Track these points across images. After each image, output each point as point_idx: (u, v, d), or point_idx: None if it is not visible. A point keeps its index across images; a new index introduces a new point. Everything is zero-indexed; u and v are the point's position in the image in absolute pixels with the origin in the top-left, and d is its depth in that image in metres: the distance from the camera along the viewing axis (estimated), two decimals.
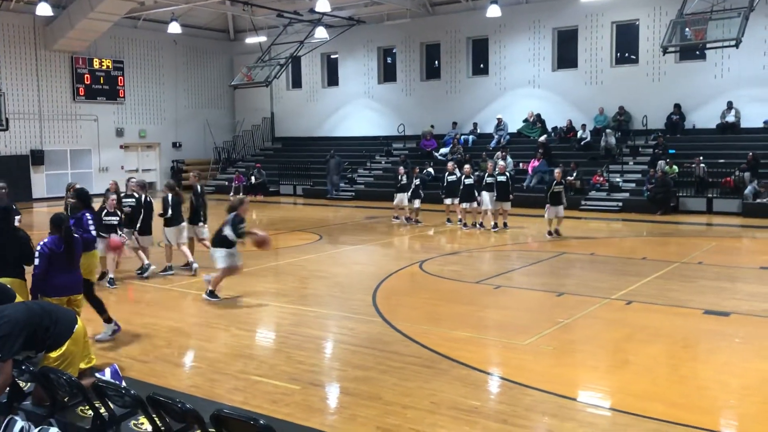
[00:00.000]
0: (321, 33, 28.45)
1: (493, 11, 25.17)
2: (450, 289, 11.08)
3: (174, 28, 28.91)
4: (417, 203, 19.27)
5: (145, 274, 11.83)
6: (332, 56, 33.45)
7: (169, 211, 12.03)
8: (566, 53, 27.15)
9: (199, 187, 13.29)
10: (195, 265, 12.09)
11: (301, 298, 10.66)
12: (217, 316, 9.39)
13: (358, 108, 32.53)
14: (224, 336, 8.47)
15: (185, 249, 12.38)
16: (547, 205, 16.02)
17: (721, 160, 21.73)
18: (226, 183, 30.91)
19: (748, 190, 20.10)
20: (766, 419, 5.85)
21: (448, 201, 18.74)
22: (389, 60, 32.29)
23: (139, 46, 31.71)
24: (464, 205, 18.10)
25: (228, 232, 10.07)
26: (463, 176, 18.22)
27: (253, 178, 29.71)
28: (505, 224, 17.61)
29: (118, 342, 8.04)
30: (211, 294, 10.14)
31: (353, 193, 27.70)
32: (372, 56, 31.93)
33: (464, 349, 7.65)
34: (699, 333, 8.57)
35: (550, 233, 16.10)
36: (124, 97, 31.20)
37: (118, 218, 11.10)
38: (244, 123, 35.80)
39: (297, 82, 34.75)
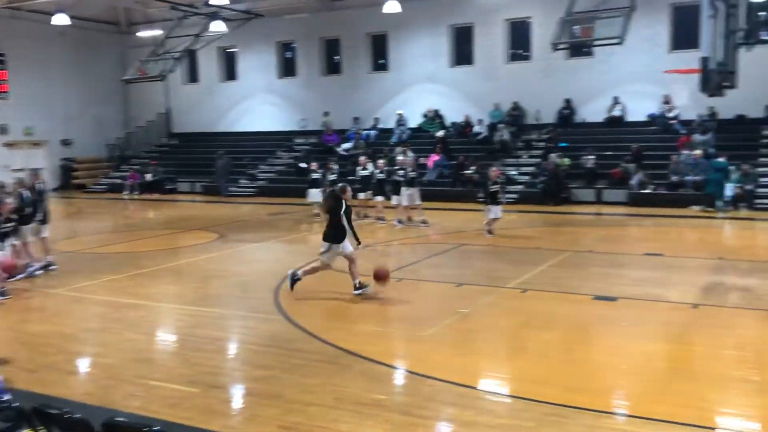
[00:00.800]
0: (218, 26, 27.79)
1: (391, 7, 25.38)
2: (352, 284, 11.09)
3: (60, 19, 27.42)
4: (362, 196, 19.16)
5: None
6: (230, 50, 32.79)
7: (27, 209, 11.58)
8: (463, 50, 27.75)
9: (38, 186, 12.63)
10: (37, 266, 11.72)
11: (201, 299, 10.42)
12: (113, 320, 9.04)
13: (258, 103, 32.07)
14: (119, 341, 8.16)
15: (32, 248, 11.98)
16: (488, 206, 15.28)
17: (609, 153, 22.84)
18: (120, 181, 29.78)
19: (634, 180, 21.23)
20: (653, 397, 6.20)
21: (362, 196, 18.78)
22: (289, 54, 31.98)
23: (22, 38, 29.90)
24: (378, 198, 18.19)
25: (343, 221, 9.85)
26: (377, 170, 18.33)
27: (148, 175, 28.75)
28: (409, 219, 17.81)
29: (2, 351, 7.60)
30: (361, 285, 9.81)
31: (255, 190, 27.30)
32: (271, 50, 31.54)
33: (367, 343, 7.70)
34: (590, 318, 8.98)
35: (489, 232, 15.29)
36: (7, 92, 29.34)
37: (11, 224, 10.57)
38: (138, 119, 34.57)
39: (194, 77, 33.84)
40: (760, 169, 20.58)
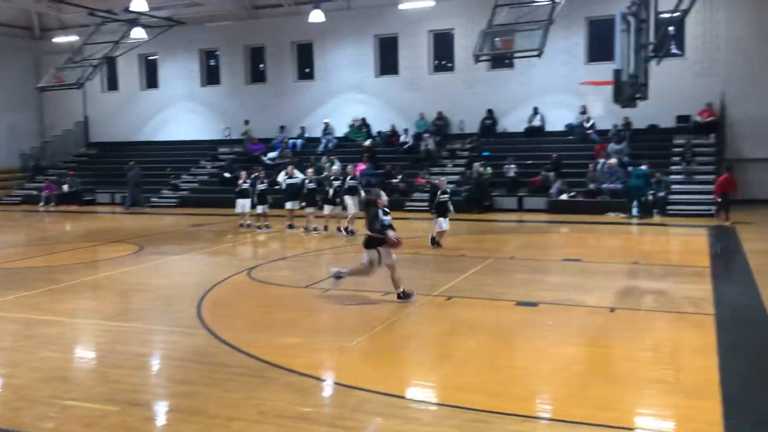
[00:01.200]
0: (138, 33, 27.14)
1: (316, 17, 25.41)
2: (279, 295, 11.00)
3: None
4: (261, 209, 18.92)
5: None
6: (151, 57, 32.08)
7: None
8: (388, 60, 28.01)
9: None
10: None
11: (121, 313, 10.08)
12: (25, 338, 8.64)
13: (180, 111, 31.47)
14: (32, 359, 7.79)
15: None
16: (435, 218, 14.96)
17: (529, 162, 23.47)
18: (35, 192, 28.60)
19: (554, 188, 21.86)
20: (573, 400, 6.37)
21: (288, 205, 18.61)
22: (212, 62, 31.52)
23: None
24: (309, 209, 18.07)
25: (385, 218, 10.00)
26: (307, 180, 18.19)
27: (65, 186, 27.72)
28: (346, 228, 17.71)
29: None
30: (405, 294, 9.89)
31: (177, 200, 26.69)
32: (194, 58, 31.03)
33: (293, 356, 7.62)
34: (512, 323, 9.15)
35: (437, 244, 14.96)
36: None
37: None
38: (55, 128, 33.32)
39: (113, 84, 32.94)
40: (673, 177, 21.56)
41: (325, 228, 17.76)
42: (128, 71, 32.28)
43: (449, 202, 15.12)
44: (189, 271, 13.87)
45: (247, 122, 29.26)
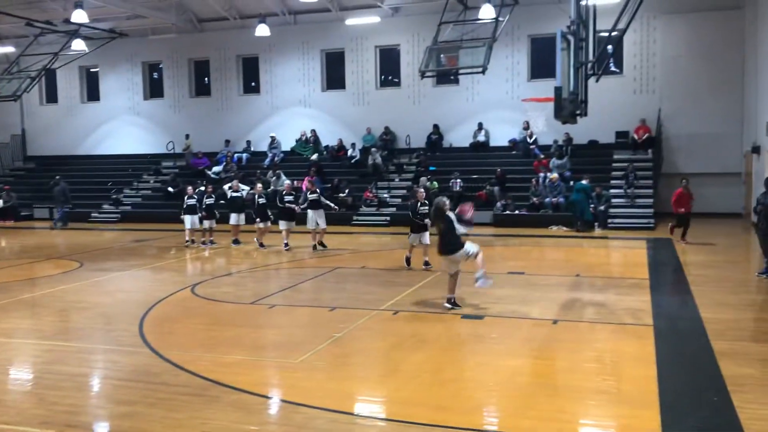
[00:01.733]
0: (78, 45, 26.55)
1: (262, 30, 25.33)
2: (223, 312, 10.84)
3: None
4: (207, 224, 18.63)
5: None
6: (92, 70, 31.45)
7: None
8: (335, 74, 28.08)
9: None
10: None
11: (59, 332, 9.78)
12: None
13: (122, 124, 30.87)
14: None
15: None
16: (411, 233, 14.13)
17: (475, 176, 23.79)
18: None
19: (498, 202, 22.20)
20: (518, 412, 6.45)
21: (233, 220, 18.39)
22: (156, 75, 31.04)
23: None
24: (261, 224, 17.91)
25: (461, 229, 10.23)
26: (256, 195, 18.05)
27: (0, 201, 26.79)
28: (322, 244, 17.49)
29: None
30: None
31: (119, 215, 26.11)
32: (137, 71, 30.53)
33: (237, 373, 7.52)
34: (458, 337, 9.23)
35: (408, 261, 14.27)
36: None
37: None
38: None
39: (52, 97, 32.12)
40: (612, 191, 22.15)
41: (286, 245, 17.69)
42: (68, 83, 31.53)
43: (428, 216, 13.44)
44: (131, 288, 13.56)
45: (187, 136, 28.91)
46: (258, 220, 17.98)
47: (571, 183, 22.35)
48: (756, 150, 20.31)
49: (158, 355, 8.25)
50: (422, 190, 14.86)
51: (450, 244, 10.42)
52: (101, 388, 7.46)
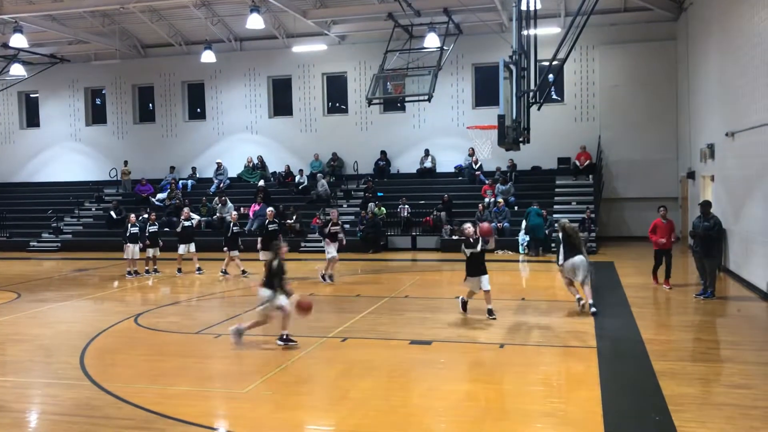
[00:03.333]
0: (17, 70, 25.95)
1: (208, 57, 25.21)
2: (168, 342, 10.62)
3: None
4: (151, 252, 18.33)
5: None
6: (32, 95, 30.71)
7: None
8: (282, 101, 28.10)
9: None
10: None
11: None
12: None
13: (63, 151, 30.18)
14: None
15: None
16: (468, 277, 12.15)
17: (422, 201, 24.01)
18: None
19: (445, 228, 22.43)
20: None
21: (182, 249, 18.11)
22: (98, 101, 30.52)
23: None
24: (234, 252, 17.82)
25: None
26: (232, 223, 18.05)
27: None
28: (243, 271, 17.43)
29: None
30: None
31: (59, 244, 25.39)
32: (79, 96, 29.97)
33: (182, 405, 7.37)
34: (407, 362, 9.24)
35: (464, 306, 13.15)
36: None
37: None
38: None
39: None
40: (556, 216, 22.60)
41: (225, 272, 17.64)
42: (6, 109, 30.72)
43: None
44: (71, 319, 13.16)
45: (126, 163, 28.45)
46: (226, 249, 17.83)
47: (516, 208, 22.78)
48: (691, 175, 21.09)
49: (100, 387, 8.03)
50: (469, 225, 11.84)
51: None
52: (39, 423, 7.20)
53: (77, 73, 29.40)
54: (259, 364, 9.05)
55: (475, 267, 11.52)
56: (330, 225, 16.07)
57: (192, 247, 18.35)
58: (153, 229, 18.37)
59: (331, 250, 15.87)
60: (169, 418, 6.93)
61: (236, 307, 13.87)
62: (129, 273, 17.93)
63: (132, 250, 17.89)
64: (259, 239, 16.65)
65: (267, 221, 17.17)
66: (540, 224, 21.08)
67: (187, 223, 18.34)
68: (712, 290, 13.06)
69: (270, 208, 18.38)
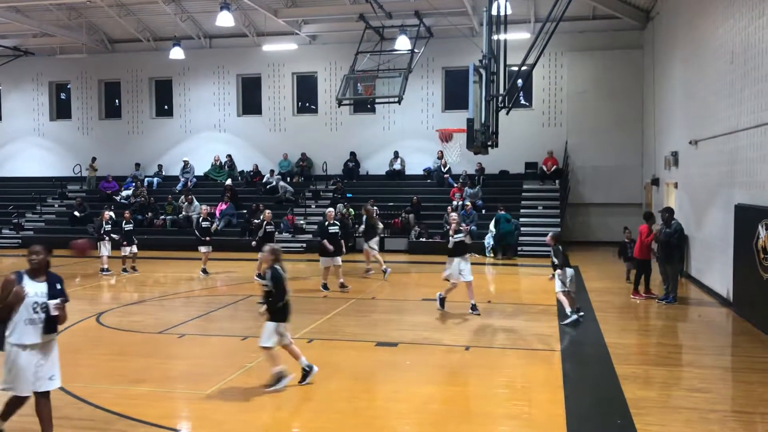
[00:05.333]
0: None
1: (176, 53, 24.93)
2: (130, 342, 10.46)
3: None
4: (128, 250, 18.04)
5: None
6: None
7: None
8: (251, 99, 27.89)
9: None
10: None
11: None
12: None
13: (26, 146, 29.57)
14: None
15: None
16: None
17: (391, 203, 24.02)
18: None
19: (413, 230, 22.47)
20: None
21: (204, 249, 17.80)
22: (63, 96, 29.96)
23: None
24: (203, 249, 17.74)
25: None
26: (201, 218, 17.95)
27: None
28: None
29: None
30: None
31: (20, 241, 24.86)
32: (43, 91, 29.39)
33: (145, 406, 7.26)
34: (372, 364, 9.24)
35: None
36: None
37: None
38: None
39: None
40: (522, 219, 22.83)
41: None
42: None
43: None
44: None
45: (93, 159, 27.98)
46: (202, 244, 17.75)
47: (483, 212, 22.91)
48: (655, 182, 21.44)
49: (59, 388, 7.85)
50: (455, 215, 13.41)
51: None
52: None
53: (42, 66, 28.84)
54: (223, 365, 8.96)
55: (459, 250, 12.20)
56: (265, 225, 16.00)
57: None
58: (129, 227, 18.14)
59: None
60: (130, 419, 6.83)
61: (200, 307, 13.72)
62: (102, 271, 17.83)
63: (106, 247, 17.82)
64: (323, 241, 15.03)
65: (327, 222, 15.25)
66: (511, 230, 21.23)
67: (205, 224, 17.94)
68: (674, 295, 13.29)
69: (330, 209, 16.25)
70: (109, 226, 17.97)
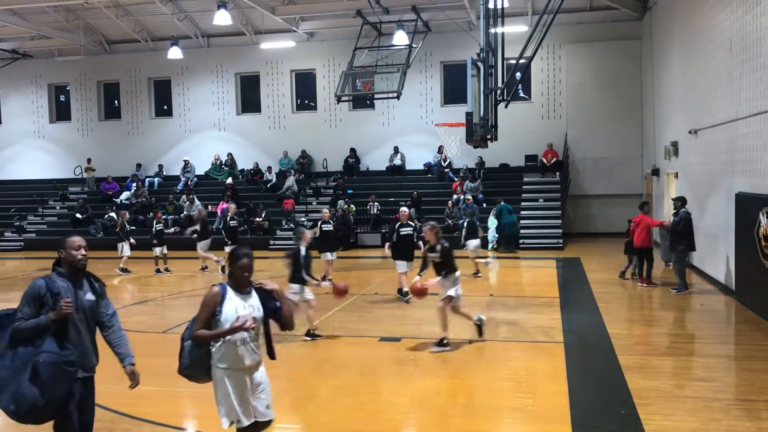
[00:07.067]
0: None
1: (174, 53, 24.94)
2: (135, 342, 10.41)
3: None
4: (158, 251, 18.06)
5: None
6: None
7: None
8: (250, 98, 27.90)
9: None
10: None
11: None
12: None
13: (26, 149, 29.63)
14: None
15: None
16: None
17: (391, 199, 24.02)
18: None
19: (414, 225, 22.44)
20: (434, 430, 6.55)
21: (229, 249, 17.84)
22: (62, 98, 29.99)
23: None
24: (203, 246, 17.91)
25: None
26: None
27: None
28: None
29: None
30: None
31: (22, 243, 24.92)
32: (42, 93, 29.44)
33: (150, 405, 7.29)
34: (376, 359, 9.26)
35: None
36: None
37: None
38: None
39: None
40: (523, 212, 22.84)
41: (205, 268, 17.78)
42: None
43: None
44: None
45: (89, 161, 28.02)
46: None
47: (484, 205, 22.90)
48: (655, 172, 21.44)
49: None
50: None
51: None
52: (2, 426, 7.06)
53: (40, 69, 28.87)
54: None
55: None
56: (228, 219, 16.80)
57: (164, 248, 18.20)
58: (159, 227, 18.16)
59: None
60: (136, 418, 6.87)
61: None
62: (122, 271, 17.93)
63: (125, 248, 17.93)
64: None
65: (321, 222, 15.26)
66: (513, 221, 21.22)
67: (233, 223, 17.88)
68: (683, 283, 13.24)
69: (325, 209, 16.26)
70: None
